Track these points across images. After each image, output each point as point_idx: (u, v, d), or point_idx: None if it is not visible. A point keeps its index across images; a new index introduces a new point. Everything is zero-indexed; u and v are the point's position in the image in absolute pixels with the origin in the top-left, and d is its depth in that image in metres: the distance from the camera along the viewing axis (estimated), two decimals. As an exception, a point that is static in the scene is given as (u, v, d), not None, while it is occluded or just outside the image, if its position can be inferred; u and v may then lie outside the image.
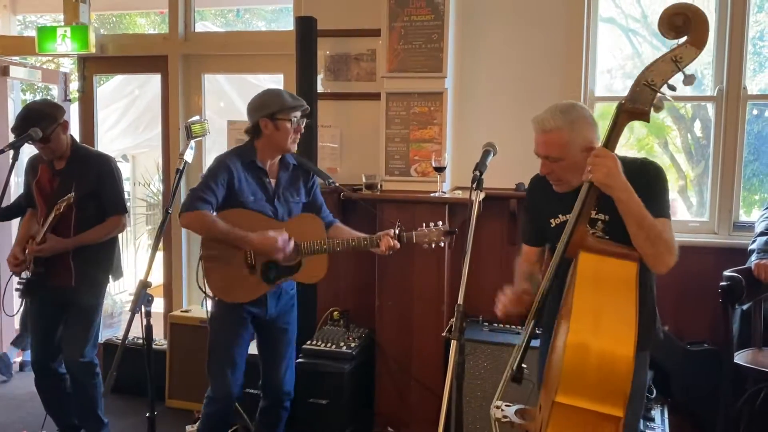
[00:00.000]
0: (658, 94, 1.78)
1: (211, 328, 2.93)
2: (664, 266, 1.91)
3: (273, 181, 2.89)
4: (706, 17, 1.73)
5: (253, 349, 3.04)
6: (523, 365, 1.93)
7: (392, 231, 2.83)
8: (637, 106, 1.79)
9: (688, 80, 1.76)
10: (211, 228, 2.74)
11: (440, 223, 2.86)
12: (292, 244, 2.78)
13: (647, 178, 1.99)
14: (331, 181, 3.28)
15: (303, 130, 2.88)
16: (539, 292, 1.99)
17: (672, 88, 1.79)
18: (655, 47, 4.70)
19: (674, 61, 1.74)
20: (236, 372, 2.89)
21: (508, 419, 2.01)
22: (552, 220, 2.16)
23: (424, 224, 2.87)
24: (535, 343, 2.14)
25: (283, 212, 2.89)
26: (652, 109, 1.79)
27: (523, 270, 2.32)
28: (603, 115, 4.21)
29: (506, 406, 2.05)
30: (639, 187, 1.87)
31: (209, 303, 2.93)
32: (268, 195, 2.87)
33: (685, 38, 1.74)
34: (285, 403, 3.04)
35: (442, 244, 2.86)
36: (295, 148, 2.87)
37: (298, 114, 2.83)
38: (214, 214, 2.77)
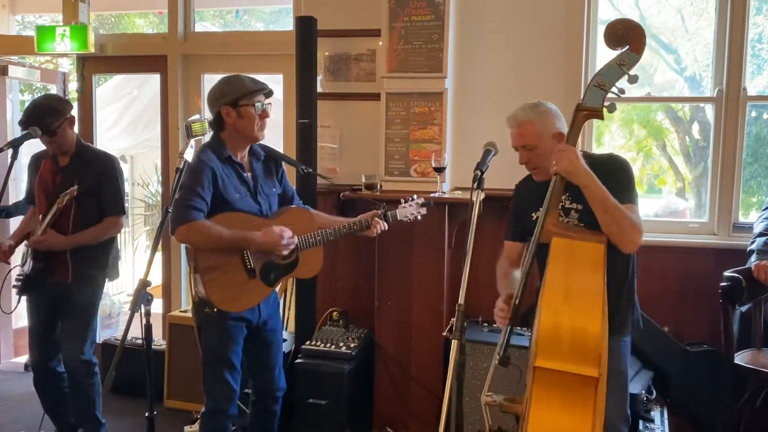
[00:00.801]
0: (609, 95, 2.05)
1: (202, 340, 2.74)
2: (632, 243, 2.12)
3: (250, 175, 2.73)
4: (642, 28, 2.05)
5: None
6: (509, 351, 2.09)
7: (379, 212, 2.87)
8: (590, 105, 2.06)
9: (632, 79, 2.05)
10: (210, 237, 2.53)
11: (415, 196, 3.00)
12: (295, 238, 2.70)
13: (612, 169, 2.24)
14: (303, 168, 3.22)
15: (270, 115, 2.69)
16: (518, 288, 2.16)
17: (621, 91, 2.06)
18: (653, 50, 4.71)
19: (619, 65, 2.03)
20: (236, 377, 2.76)
21: (496, 402, 2.18)
22: (534, 214, 2.34)
23: (402, 200, 2.99)
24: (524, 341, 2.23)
25: (266, 207, 2.76)
26: (605, 108, 2.06)
27: (503, 268, 2.52)
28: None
29: (497, 395, 2.22)
30: (606, 177, 2.12)
31: (194, 314, 2.77)
32: (250, 190, 2.71)
33: (627, 47, 2.04)
34: (279, 397, 2.97)
35: (419, 216, 3.00)
36: (263, 135, 2.70)
37: (262, 98, 2.65)
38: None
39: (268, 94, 2.70)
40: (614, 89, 2.05)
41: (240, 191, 2.66)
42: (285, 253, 2.70)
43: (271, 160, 2.86)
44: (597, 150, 3.85)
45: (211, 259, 2.60)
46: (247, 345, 2.82)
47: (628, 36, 2.02)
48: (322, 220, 2.90)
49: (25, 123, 3.10)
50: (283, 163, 2.95)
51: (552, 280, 1.96)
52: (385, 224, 2.89)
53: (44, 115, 3.08)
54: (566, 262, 1.99)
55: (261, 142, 2.77)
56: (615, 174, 2.22)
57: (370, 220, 2.85)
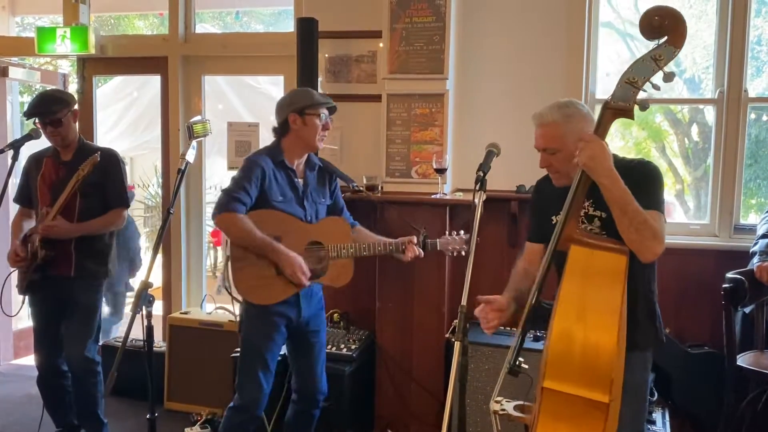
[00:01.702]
0: (641, 92, 1.86)
1: (242, 334, 2.86)
2: (651, 253, 1.94)
3: (301, 182, 2.88)
4: (683, 18, 1.81)
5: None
6: (521, 359, 1.95)
7: (416, 238, 2.89)
8: (620, 103, 1.87)
9: (668, 77, 1.84)
10: (245, 234, 2.68)
11: (462, 232, 2.96)
12: (308, 283, 2.77)
13: (642, 174, 2.07)
14: (354, 185, 3.28)
15: (330, 128, 2.90)
16: (530, 297, 2.00)
17: (656, 87, 1.86)
18: (654, 51, 4.72)
19: (654, 60, 1.83)
20: (269, 378, 2.83)
21: (505, 412, 2.04)
22: (554, 218, 2.19)
23: (447, 232, 2.99)
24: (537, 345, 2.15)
25: (312, 213, 2.89)
26: (636, 106, 1.87)
27: (519, 270, 2.38)
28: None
29: (506, 401, 2.09)
30: (633, 182, 1.94)
31: (237, 307, 2.90)
32: (298, 195, 2.85)
33: (664, 39, 1.83)
34: (321, 402, 3.03)
35: (464, 253, 2.91)
36: (322, 145, 2.88)
37: (326, 111, 2.85)
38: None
39: (332, 109, 2.90)
40: (647, 86, 1.85)
41: (286, 195, 2.81)
42: (296, 281, 2.74)
43: (326, 172, 3.02)
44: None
45: (243, 250, 2.74)
46: (290, 346, 2.98)
47: (667, 27, 1.80)
48: (363, 237, 2.99)
49: (31, 112, 3.14)
50: (337, 178, 3.08)
51: (567, 294, 1.82)
52: (421, 252, 2.90)
53: (51, 103, 3.13)
54: (583, 274, 1.84)
55: (320, 155, 3.06)
56: (642, 179, 2.05)
57: (405, 244, 2.89)
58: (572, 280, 1.84)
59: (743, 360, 3.07)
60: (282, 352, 2.99)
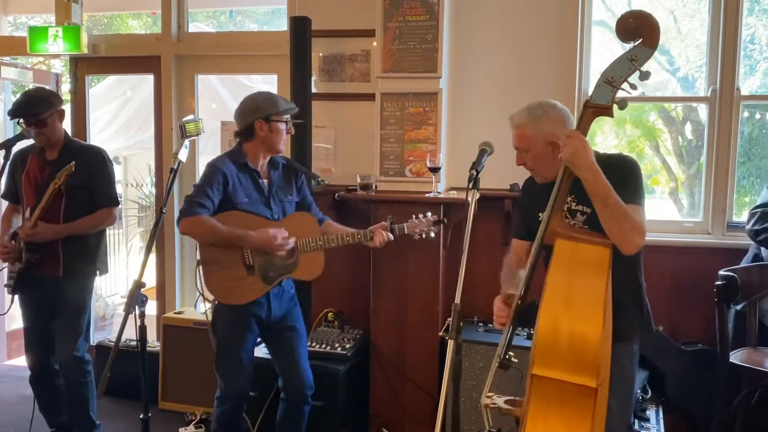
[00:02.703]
0: (619, 92, 1.93)
1: (214, 334, 2.92)
2: (632, 245, 2.00)
3: (266, 182, 2.93)
4: (656, 20, 1.91)
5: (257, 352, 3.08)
6: (510, 353, 2.00)
7: (384, 224, 2.93)
8: (600, 102, 1.94)
9: (644, 76, 1.92)
10: (210, 232, 2.74)
11: (429, 214, 3.01)
12: (292, 240, 2.82)
13: (621, 169, 2.15)
14: (320, 179, 3.32)
15: (293, 132, 2.98)
16: (518, 292, 2.05)
17: (633, 87, 1.94)
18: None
19: (631, 60, 1.91)
20: (244, 372, 2.92)
21: (496, 405, 2.10)
22: (540, 214, 2.23)
23: (413, 215, 3.01)
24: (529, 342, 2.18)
25: (278, 212, 2.93)
26: (615, 105, 1.94)
27: (511, 265, 2.45)
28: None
29: (497, 396, 2.14)
30: (613, 176, 2.01)
31: (209, 309, 2.93)
32: (264, 196, 2.90)
33: (640, 40, 1.91)
34: (309, 398, 3.04)
35: (432, 234, 3.00)
36: (284, 149, 2.95)
37: (290, 117, 2.92)
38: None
39: (295, 113, 2.98)
40: (625, 85, 1.92)
41: (251, 196, 2.85)
42: (281, 253, 2.81)
43: (291, 170, 3.04)
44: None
45: (213, 253, 2.81)
46: (270, 346, 3.06)
47: (641, 29, 1.89)
48: (334, 229, 3.01)
49: (14, 112, 3.11)
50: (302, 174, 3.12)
51: (553, 285, 1.88)
52: (390, 236, 2.94)
53: (35, 104, 3.10)
54: (569, 266, 1.90)
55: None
56: (622, 173, 2.13)
57: (375, 231, 2.93)
58: (558, 272, 1.90)
59: (736, 357, 3.09)
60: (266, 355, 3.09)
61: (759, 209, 3.22)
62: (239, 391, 2.93)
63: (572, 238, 1.95)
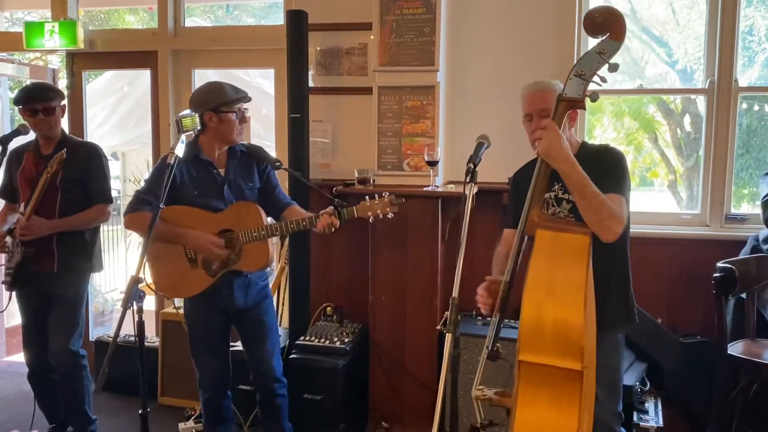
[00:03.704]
0: (590, 85, 1.99)
1: (187, 323, 3.00)
2: (611, 233, 2.05)
3: (222, 171, 2.90)
4: (621, 15, 1.98)
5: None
6: (498, 345, 2.06)
7: (330, 207, 2.76)
8: (571, 96, 2.00)
9: (612, 68, 1.98)
10: (147, 228, 2.71)
11: (386, 194, 2.83)
12: (221, 248, 2.80)
13: (606, 160, 2.23)
14: (279, 164, 3.12)
15: (248, 120, 2.93)
16: (504, 278, 2.09)
17: (603, 79, 2.00)
18: (645, 42, 4.71)
19: (599, 54, 1.97)
20: (216, 359, 2.97)
21: (486, 396, 2.14)
22: None
23: (367, 197, 2.83)
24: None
25: (234, 200, 2.89)
26: (587, 98, 2.00)
27: (500, 255, 2.48)
28: (591, 110, 4.22)
29: (487, 389, 2.18)
30: (595, 166, 2.09)
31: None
32: (217, 186, 2.86)
33: (607, 34, 1.97)
34: (278, 390, 3.02)
35: (390, 215, 2.84)
36: (240, 139, 2.91)
37: (242, 105, 2.87)
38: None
39: (247, 100, 2.90)
40: (595, 78, 1.99)
41: (201, 188, 2.84)
42: (212, 257, 2.81)
43: (251, 156, 2.98)
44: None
45: (157, 249, 2.83)
46: (241, 335, 3.05)
47: (607, 23, 1.96)
48: (293, 215, 2.90)
49: (26, 97, 3.14)
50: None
51: (535, 273, 1.93)
52: (336, 221, 2.74)
53: (47, 90, 3.19)
54: (549, 255, 1.95)
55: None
56: (606, 164, 2.20)
57: (319, 216, 2.76)
58: (539, 261, 1.94)
59: (734, 349, 3.09)
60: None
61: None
62: (213, 378, 2.97)
63: (551, 228, 1.99)
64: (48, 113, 3.14)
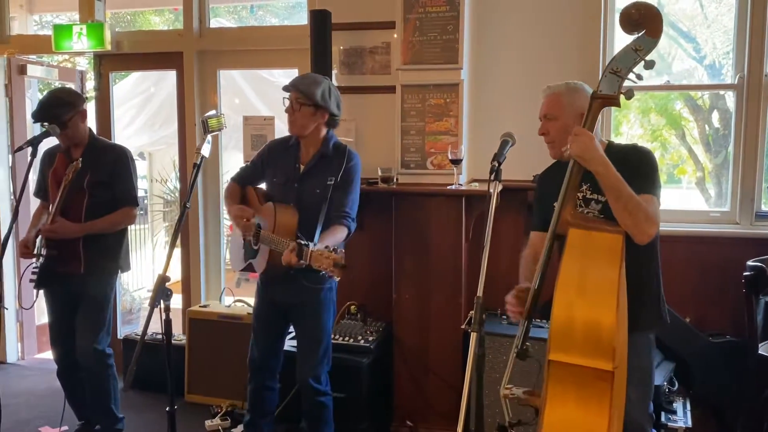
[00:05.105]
0: (626, 82, 1.98)
1: None
2: (645, 235, 2.03)
3: (302, 167, 2.98)
4: (659, 11, 1.96)
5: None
6: (527, 344, 2.06)
7: (292, 243, 2.59)
8: (606, 93, 1.99)
9: (648, 65, 1.97)
10: (225, 198, 3.15)
11: (341, 251, 2.52)
12: (254, 220, 2.95)
13: (634, 159, 2.19)
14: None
15: (291, 111, 2.93)
16: (535, 279, 2.08)
17: (639, 76, 1.99)
18: (672, 38, 4.65)
19: (635, 51, 1.96)
20: (259, 342, 3.09)
21: (515, 395, 2.14)
22: (555, 204, 2.22)
23: (326, 246, 2.53)
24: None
25: (298, 197, 2.92)
26: (622, 95, 1.99)
27: (527, 259, 2.44)
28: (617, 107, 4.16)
29: (516, 388, 2.17)
30: (626, 166, 2.06)
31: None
32: (290, 178, 2.98)
33: (643, 31, 1.96)
34: (314, 397, 2.99)
35: (336, 278, 2.53)
36: (290, 128, 2.98)
37: (286, 95, 2.96)
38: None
39: (286, 90, 2.97)
40: (631, 75, 1.98)
41: (278, 176, 3.02)
42: (240, 227, 3.00)
43: (336, 159, 2.98)
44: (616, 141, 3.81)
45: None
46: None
47: (643, 20, 1.94)
48: (323, 235, 2.76)
49: (36, 115, 3.16)
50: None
51: (567, 272, 1.92)
52: (295, 258, 2.56)
53: (55, 107, 3.13)
54: (582, 254, 1.94)
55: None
56: (636, 163, 2.17)
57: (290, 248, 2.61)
58: (571, 260, 1.94)
59: (765, 349, 3.03)
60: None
61: None
62: (254, 359, 3.09)
63: (584, 227, 1.99)
64: (61, 128, 3.12)
